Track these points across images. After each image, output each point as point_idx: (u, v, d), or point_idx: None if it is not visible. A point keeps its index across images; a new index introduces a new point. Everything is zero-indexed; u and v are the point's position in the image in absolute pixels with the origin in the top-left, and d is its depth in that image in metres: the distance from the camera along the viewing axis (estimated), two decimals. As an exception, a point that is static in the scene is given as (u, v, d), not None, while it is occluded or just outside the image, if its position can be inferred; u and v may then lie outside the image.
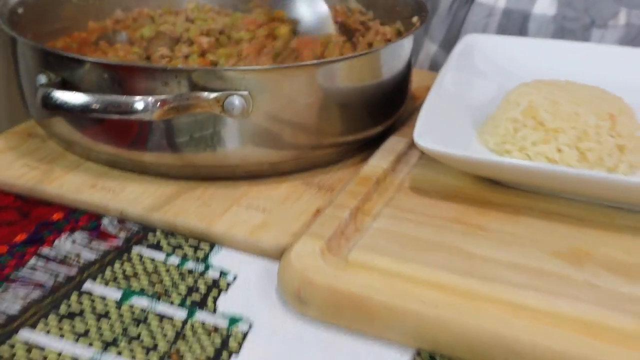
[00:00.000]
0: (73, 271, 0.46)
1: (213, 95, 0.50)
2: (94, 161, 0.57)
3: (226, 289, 0.45)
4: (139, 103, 0.47)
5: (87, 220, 0.51)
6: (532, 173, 0.50)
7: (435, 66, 0.84)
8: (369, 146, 0.60)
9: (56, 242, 0.49)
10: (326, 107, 0.55)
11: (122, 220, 0.51)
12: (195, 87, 0.50)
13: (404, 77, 0.62)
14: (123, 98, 0.47)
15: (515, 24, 0.79)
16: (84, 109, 0.47)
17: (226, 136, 0.53)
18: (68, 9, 0.70)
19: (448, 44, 0.83)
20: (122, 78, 0.51)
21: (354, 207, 0.50)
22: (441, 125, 0.56)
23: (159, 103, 0.48)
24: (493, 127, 0.58)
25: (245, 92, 0.51)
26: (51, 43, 0.68)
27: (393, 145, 0.59)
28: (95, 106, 0.47)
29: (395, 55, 0.59)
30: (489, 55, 0.70)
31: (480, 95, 0.65)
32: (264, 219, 0.51)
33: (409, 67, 0.63)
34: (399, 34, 0.67)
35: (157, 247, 0.49)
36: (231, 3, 0.75)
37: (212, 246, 0.49)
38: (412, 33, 0.59)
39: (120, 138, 0.54)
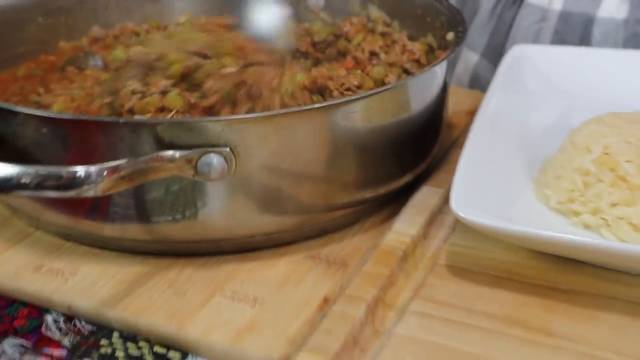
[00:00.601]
0: (-10, 407, 0.34)
1: (180, 154, 0.38)
2: (44, 231, 0.45)
3: None
4: (80, 173, 0.35)
5: (27, 317, 0.40)
6: (612, 254, 0.37)
7: (476, 80, 0.70)
8: (395, 199, 0.47)
9: (-25, 358, 0.37)
10: (337, 157, 0.42)
11: (70, 318, 0.40)
12: (160, 143, 0.38)
13: (437, 109, 0.49)
14: (55, 169, 0.35)
15: (576, 30, 0.64)
16: (3, 186, 0.35)
17: (207, 201, 0.41)
18: (33, 30, 0.59)
19: (491, 53, 0.69)
20: (64, 134, 0.40)
21: (371, 299, 0.38)
22: (486, 180, 0.43)
23: (105, 172, 0.36)
24: (555, 178, 0.44)
25: (227, 148, 0.38)
26: (11, 71, 0.57)
27: (425, 199, 0.47)
28: (24, 180, 0.35)
29: (425, 86, 0.46)
30: (544, 72, 0.57)
31: (535, 127, 0.52)
32: (253, 316, 0.38)
33: (443, 94, 0.49)
34: (430, 50, 0.54)
35: (111, 359, 0.37)
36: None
37: (184, 356, 0.37)
38: (447, 57, 0.46)
39: (73, 206, 0.42)
